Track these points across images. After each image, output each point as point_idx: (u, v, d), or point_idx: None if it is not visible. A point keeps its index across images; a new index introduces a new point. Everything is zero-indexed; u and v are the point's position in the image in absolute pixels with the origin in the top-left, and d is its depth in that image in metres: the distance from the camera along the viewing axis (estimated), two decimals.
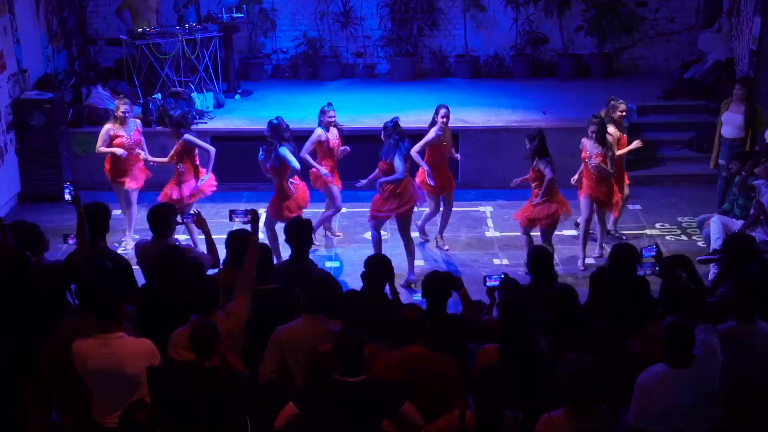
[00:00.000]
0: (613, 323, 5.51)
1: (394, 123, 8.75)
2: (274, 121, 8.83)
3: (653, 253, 5.91)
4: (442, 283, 5.64)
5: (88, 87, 12.27)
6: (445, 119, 9.29)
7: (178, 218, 6.89)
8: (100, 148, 9.61)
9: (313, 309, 5.32)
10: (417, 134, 9.90)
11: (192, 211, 6.86)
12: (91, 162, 11.68)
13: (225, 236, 6.41)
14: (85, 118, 11.82)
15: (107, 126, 9.61)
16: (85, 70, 13.94)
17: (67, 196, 6.63)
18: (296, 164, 8.80)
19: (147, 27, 12.61)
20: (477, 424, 4.54)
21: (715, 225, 8.82)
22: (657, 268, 5.66)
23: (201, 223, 6.78)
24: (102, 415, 5.18)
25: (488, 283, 6.04)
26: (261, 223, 9.86)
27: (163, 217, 6.70)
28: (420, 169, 9.30)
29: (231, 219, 6.30)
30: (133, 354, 5.09)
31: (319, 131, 9.32)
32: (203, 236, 6.89)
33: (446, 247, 9.88)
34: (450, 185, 9.71)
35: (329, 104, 9.53)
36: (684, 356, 4.68)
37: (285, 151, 8.69)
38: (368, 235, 10.10)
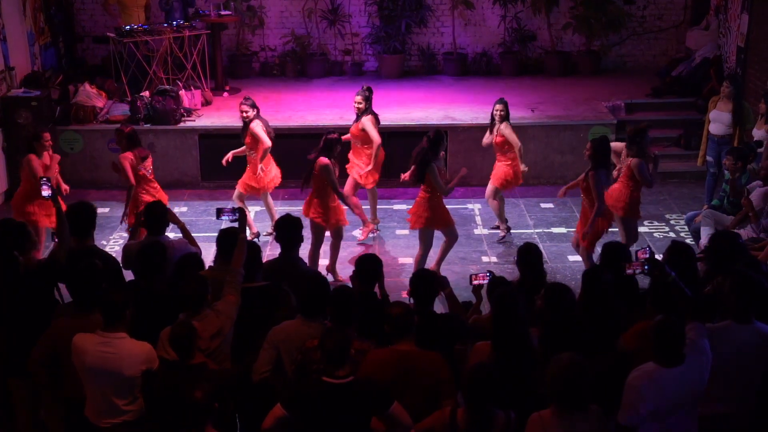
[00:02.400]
0: (604, 321, 5.51)
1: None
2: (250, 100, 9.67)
3: (647, 256, 5.88)
4: (428, 282, 5.63)
5: (76, 84, 12.21)
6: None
7: None
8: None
9: (308, 313, 5.32)
10: (403, 131, 9.95)
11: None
12: (78, 160, 11.67)
13: (213, 234, 6.40)
14: (72, 115, 11.77)
15: (33, 156, 8.63)
16: (72, 67, 13.87)
17: (45, 192, 6.58)
18: (268, 141, 9.46)
19: (134, 23, 12.55)
20: (467, 422, 4.55)
21: (707, 221, 8.82)
22: (646, 267, 5.66)
23: (174, 218, 6.85)
24: (95, 415, 5.15)
25: (474, 282, 6.05)
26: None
27: (158, 215, 6.68)
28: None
29: (218, 217, 6.28)
30: (133, 356, 5.05)
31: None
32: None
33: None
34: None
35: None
36: (673, 355, 4.68)
37: (258, 127, 9.42)
38: (356, 233, 10.11)
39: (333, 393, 4.55)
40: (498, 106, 9.69)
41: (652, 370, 4.67)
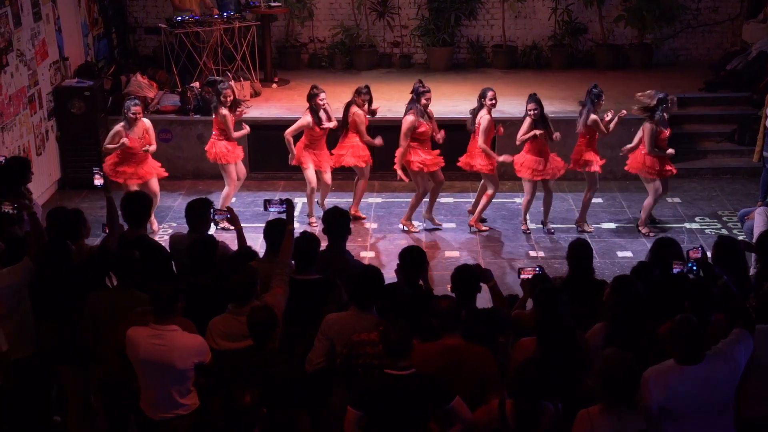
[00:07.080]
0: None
1: None
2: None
3: (699, 256, 5.75)
4: (471, 276, 5.58)
5: (128, 75, 12.38)
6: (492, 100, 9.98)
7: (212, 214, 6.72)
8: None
9: (362, 305, 5.32)
10: (451, 124, 9.87)
11: (225, 208, 6.74)
12: None
13: (261, 224, 6.41)
14: (124, 105, 11.90)
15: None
16: (124, 58, 14.07)
17: (97, 182, 6.65)
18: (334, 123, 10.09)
19: (189, 14, 12.67)
20: (516, 415, 4.52)
21: (760, 218, 8.63)
22: (693, 268, 5.54)
23: (234, 221, 6.64)
24: (149, 408, 5.20)
25: (523, 275, 6.00)
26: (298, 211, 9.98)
27: (198, 212, 6.62)
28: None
29: (266, 209, 6.28)
30: (185, 349, 5.08)
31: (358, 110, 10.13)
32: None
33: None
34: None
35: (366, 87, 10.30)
36: (690, 352, 4.61)
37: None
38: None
39: (396, 384, 4.57)
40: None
41: (667, 366, 4.64)
